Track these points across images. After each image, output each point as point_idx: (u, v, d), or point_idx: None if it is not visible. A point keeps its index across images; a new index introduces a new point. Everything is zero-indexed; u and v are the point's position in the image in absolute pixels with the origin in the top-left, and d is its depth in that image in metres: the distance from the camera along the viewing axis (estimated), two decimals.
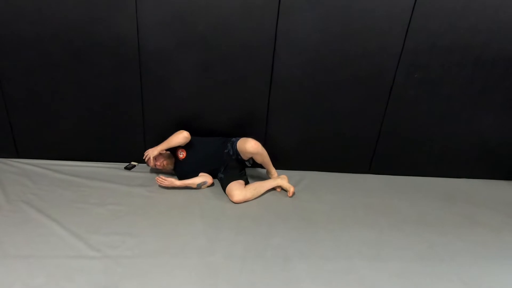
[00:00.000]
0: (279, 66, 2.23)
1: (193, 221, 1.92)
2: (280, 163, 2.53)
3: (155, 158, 2.24)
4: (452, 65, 2.27)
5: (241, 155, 2.16)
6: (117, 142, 2.43)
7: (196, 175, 2.26)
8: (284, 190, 2.29)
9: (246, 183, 2.26)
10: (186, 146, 2.25)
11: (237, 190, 2.11)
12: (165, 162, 2.27)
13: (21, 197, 2.00)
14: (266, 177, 2.42)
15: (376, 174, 2.64)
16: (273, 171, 2.31)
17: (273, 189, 2.30)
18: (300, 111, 2.39)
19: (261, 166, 2.42)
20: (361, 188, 2.41)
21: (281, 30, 2.13)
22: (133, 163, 2.49)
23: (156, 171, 2.41)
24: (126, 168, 2.42)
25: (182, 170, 2.28)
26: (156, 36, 2.11)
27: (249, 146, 2.08)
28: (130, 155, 2.48)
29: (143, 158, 2.28)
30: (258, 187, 2.19)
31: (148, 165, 2.34)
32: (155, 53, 2.16)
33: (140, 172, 2.39)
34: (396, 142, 2.52)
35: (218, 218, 1.96)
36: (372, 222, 2.04)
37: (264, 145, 2.48)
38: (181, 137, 2.17)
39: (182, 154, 2.25)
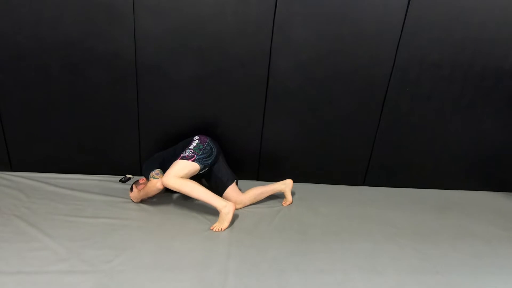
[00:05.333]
0: (274, 80, 2.27)
1: (188, 234, 1.90)
2: (275, 175, 2.54)
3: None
4: (442, 80, 2.33)
5: None
6: (112, 155, 2.43)
7: None
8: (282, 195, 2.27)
9: (231, 177, 2.17)
10: (162, 170, 2.09)
11: (234, 199, 2.11)
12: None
13: (14, 211, 1.97)
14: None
15: (370, 186, 2.65)
16: (213, 203, 1.95)
17: (270, 198, 2.30)
18: (295, 124, 2.41)
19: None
20: (355, 200, 2.42)
21: (276, 43, 2.17)
22: (128, 175, 2.48)
23: None
24: (121, 181, 2.41)
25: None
26: (153, 50, 2.14)
27: (160, 185, 1.95)
28: (125, 168, 2.48)
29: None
30: (259, 194, 2.20)
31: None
32: (152, 67, 2.19)
33: None
34: (389, 154, 2.55)
35: (213, 231, 1.95)
36: (367, 234, 2.04)
37: (259, 157, 2.51)
38: (155, 190, 2.00)
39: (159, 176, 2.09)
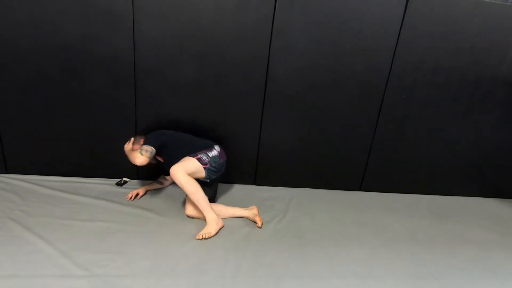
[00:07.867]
0: (271, 85, 2.28)
1: (184, 240, 1.89)
2: (272, 180, 2.54)
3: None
4: (438, 87, 2.36)
5: None
6: (109, 158, 2.42)
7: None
8: (253, 221, 2.11)
9: (212, 197, 2.18)
10: (173, 149, 2.11)
11: (191, 205, 2.08)
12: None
13: (8, 214, 1.95)
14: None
15: (367, 191, 2.66)
16: (206, 213, 1.98)
17: (267, 203, 2.30)
18: (292, 129, 2.42)
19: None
20: (352, 206, 2.43)
21: (274, 49, 2.19)
22: (124, 179, 2.47)
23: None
24: (117, 184, 2.40)
25: (165, 170, 2.28)
26: (151, 53, 2.15)
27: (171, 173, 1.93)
28: (122, 171, 2.47)
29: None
30: (217, 211, 2.08)
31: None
32: (150, 71, 2.19)
33: (131, 188, 2.37)
34: (386, 160, 2.57)
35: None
36: (364, 240, 2.04)
37: (256, 162, 2.51)
38: (132, 161, 2.01)
39: (159, 158, 2.18)
